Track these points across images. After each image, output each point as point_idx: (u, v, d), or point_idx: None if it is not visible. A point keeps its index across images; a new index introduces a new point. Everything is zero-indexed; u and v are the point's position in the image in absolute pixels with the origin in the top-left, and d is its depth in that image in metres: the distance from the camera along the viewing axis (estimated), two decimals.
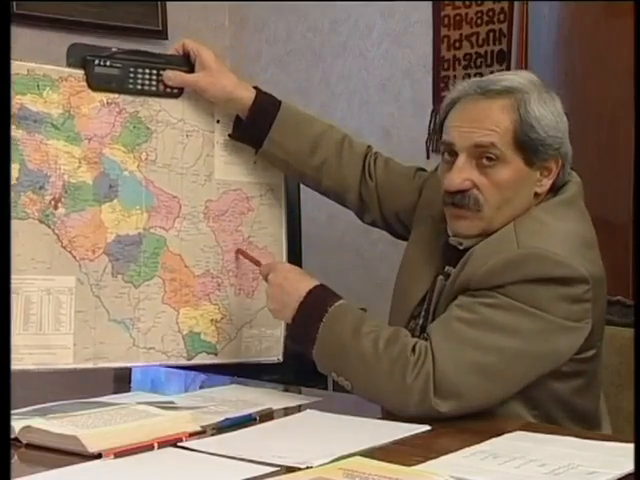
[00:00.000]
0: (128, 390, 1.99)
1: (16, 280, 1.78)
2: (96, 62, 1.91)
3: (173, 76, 1.97)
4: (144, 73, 1.95)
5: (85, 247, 1.87)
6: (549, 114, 1.78)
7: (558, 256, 1.71)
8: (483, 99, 1.79)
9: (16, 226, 1.80)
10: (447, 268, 1.84)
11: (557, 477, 1.36)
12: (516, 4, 3.48)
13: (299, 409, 1.82)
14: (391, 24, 3.85)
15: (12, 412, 1.40)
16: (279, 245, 2.07)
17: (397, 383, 1.68)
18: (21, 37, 3.54)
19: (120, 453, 1.47)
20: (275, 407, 1.80)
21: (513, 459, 1.43)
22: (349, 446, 1.49)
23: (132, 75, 1.94)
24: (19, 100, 1.84)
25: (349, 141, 2.06)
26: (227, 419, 1.67)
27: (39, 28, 3.72)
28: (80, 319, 1.86)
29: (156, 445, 1.51)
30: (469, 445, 1.50)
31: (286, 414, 1.79)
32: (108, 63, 1.92)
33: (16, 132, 1.82)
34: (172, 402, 1.82)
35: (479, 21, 3.61)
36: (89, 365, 1.87)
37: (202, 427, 1.61)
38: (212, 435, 1.61)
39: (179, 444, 1.53)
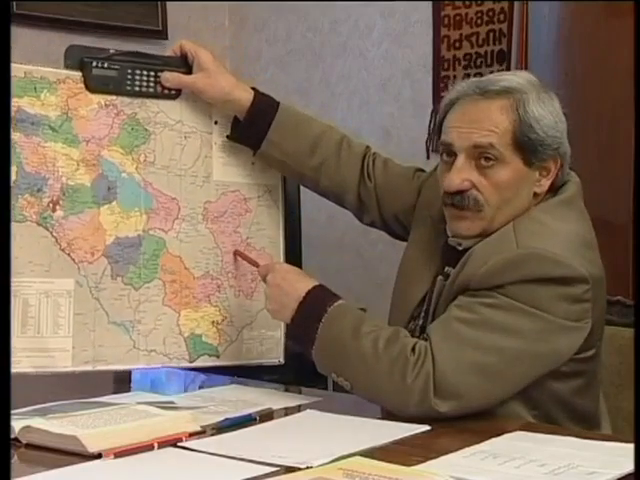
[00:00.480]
0: (128, 390, 1.98)
1: (14, 283, 1.78)
2: (94, 64, 1.92)
3: (171, 77, 1.97)
4: (142, 75, 1.95)
5: (84, 249, 1.87)
6: (548, 114, 1.78)
7: (558, 256, 1.71)
8: (482, 99, 1.79)
9: (14, 229, 1.80)
10: (446, 268, 1.84)
11: (557, 477, 1.36)
12: (516, 4, 3.48)
13: (299, 409, 1.82)
14: (391, 24, 3.85)
15: (12, 412, 1.40)
16: (277, 246, 2.07)
17: (397, 383, 1.68)
18: (21, 37, 3.54)
19: (120, 453, 1.47)
20: (275, 407, 1.80)
21: (513, 459, 1.43)
22: (349, 446, 1.49)
23: (130, 77, 1.94)
24: (16, 103, 1.84)
25: (348, 142, 2.06)
26: (227, 419, 1.67)
27: (39, 28, 3.72)
28: (79, 322, 1.86)
29: (156, 445, 1.51)
30: (469, 445, 1.50)
31: (286, 414, 1.79)
32: (106, 65, 1.93)
33: (14, 135, 1.82)
34: (172, 402, 1.82)
35: (479, 21, 3.61)
36: (88, 368, 1.87)
37: (202, 427, 1.61)
38: (212, 435, 1.61)
39: (179, 444, 1.53)
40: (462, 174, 1.77)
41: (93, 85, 1.91)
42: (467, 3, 3.64)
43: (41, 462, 1.47)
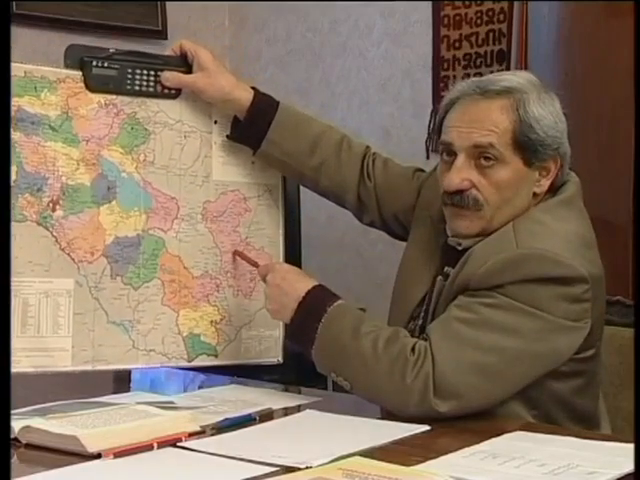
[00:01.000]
0: (127, 390, 1.98)
1: (14, 283, 1.78)
2: (94, 63, 1.92)
3: (171, 77, 1.97)
4: (142, 74, 1.95)
5: (83, 249, 1.87)
6: (548, 114, 1.78)
7: (557, 256, 1.71)
8: (482, 99, 1.79)
9: (14, 229, 1.80)
10: (446, 268, 1.84)
11: (557, 477, 1.36)
12: (516, 4, 3.47)
13: (299, 409, 1.82)
14: (391, 24, 3.85)
15: (12, 412, 1.40)
16: (276, 246, 2.07)
17: (397, 383, 1.67)
18: (21, 37, 3.54)
19: (120, 453, 1.47)
20: (275, 407, 1.80)
21: (513, 459, 1.43)
22: (349, 446, 1.49)
23: (130, 76, 1.94)
24: (16, 102, 1.84)
25: (348, 142, 2.06)
26: (227, 419, 1.67)
27: (39, 28, 3.72)
28: (79, 321, 1.86)
29: (155, 445, 1.51)
30: (469, 445, 1.50)
31: (286, 414, 1.79)
32: (106, 64, 1.93)
33: (14, 134, 1.82)
34: (172, 402, 1.82)
35: (479, 21, 3.61)
36: (87, 368, 1.87)
37: (201, 427, 1.61)
38: (211, 435, 1.61)
39: (178, 444, 1.53)
40: (462, 174, 1.77)
41: (93, 84, 1.91)
42: (467, 3, 3.63)
43: (41, 462, 1.47)
